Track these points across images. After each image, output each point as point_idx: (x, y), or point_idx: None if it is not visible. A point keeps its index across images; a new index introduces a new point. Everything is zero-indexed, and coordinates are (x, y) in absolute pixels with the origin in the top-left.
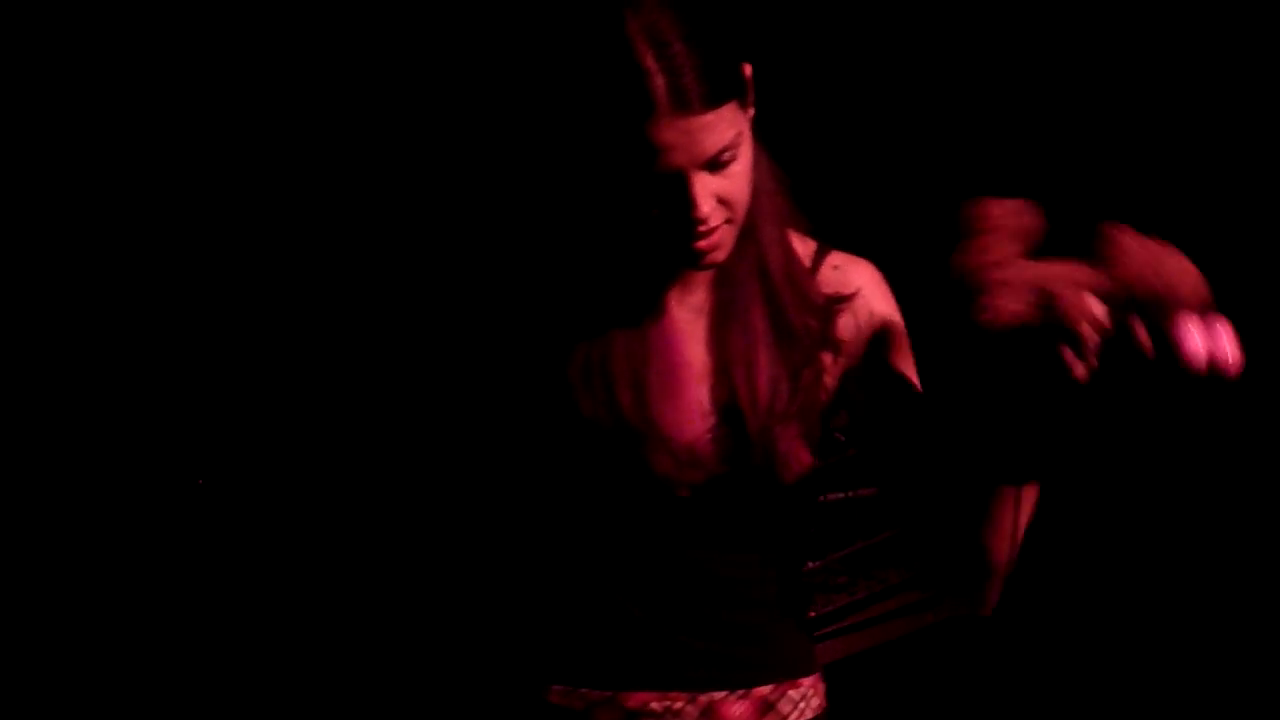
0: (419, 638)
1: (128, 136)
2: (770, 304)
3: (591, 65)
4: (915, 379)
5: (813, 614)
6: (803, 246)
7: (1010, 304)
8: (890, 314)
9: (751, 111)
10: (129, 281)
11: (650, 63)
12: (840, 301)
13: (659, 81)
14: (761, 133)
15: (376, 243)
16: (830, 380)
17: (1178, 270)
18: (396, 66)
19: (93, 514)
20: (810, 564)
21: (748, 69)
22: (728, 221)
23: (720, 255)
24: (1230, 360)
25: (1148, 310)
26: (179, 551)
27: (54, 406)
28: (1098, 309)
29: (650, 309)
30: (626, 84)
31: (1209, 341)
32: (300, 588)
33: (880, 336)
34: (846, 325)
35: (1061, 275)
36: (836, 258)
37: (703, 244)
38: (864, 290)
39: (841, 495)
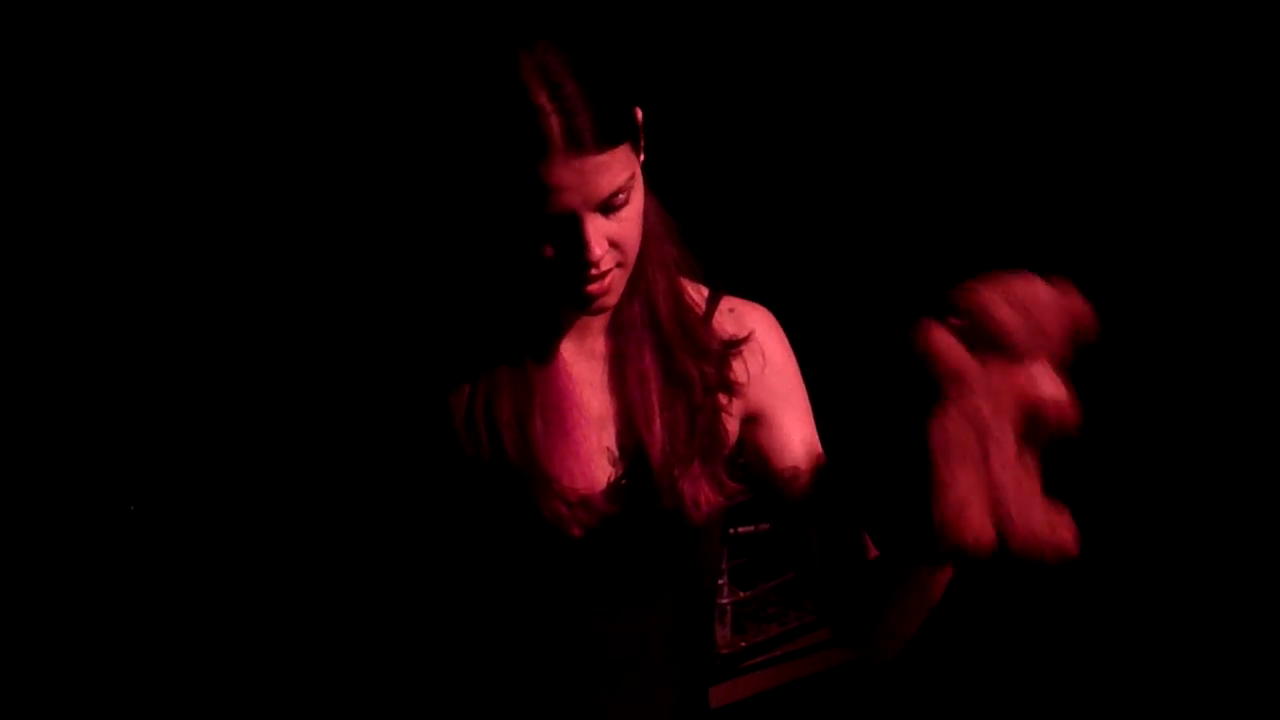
0: (306, 688)
1: (84, 148)
2: (662, 351)
3: (485, 104)
4: (810, 427)
5: (744, 644)
6: (696, 293)
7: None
8: (784, 360)
9: (642, 156)
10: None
11: (544, 101)
12: (734, 345)
13: (553, 121)
14: (652, 179)
15: (267, 276)
16: (732, 423)
17: (1046, 306)
18: (288, 98)
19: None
20: (741, 593)
21: (639, 113)
22: (619, 265)
23: (610, 300)
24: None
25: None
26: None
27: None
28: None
29: (541, 352)
30: (520, 123)
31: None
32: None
33: (775, 382)
34: (741, 369)
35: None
36: (730, 302)
37: (593, 287)
38: (758, 334)
39: (769, 525)
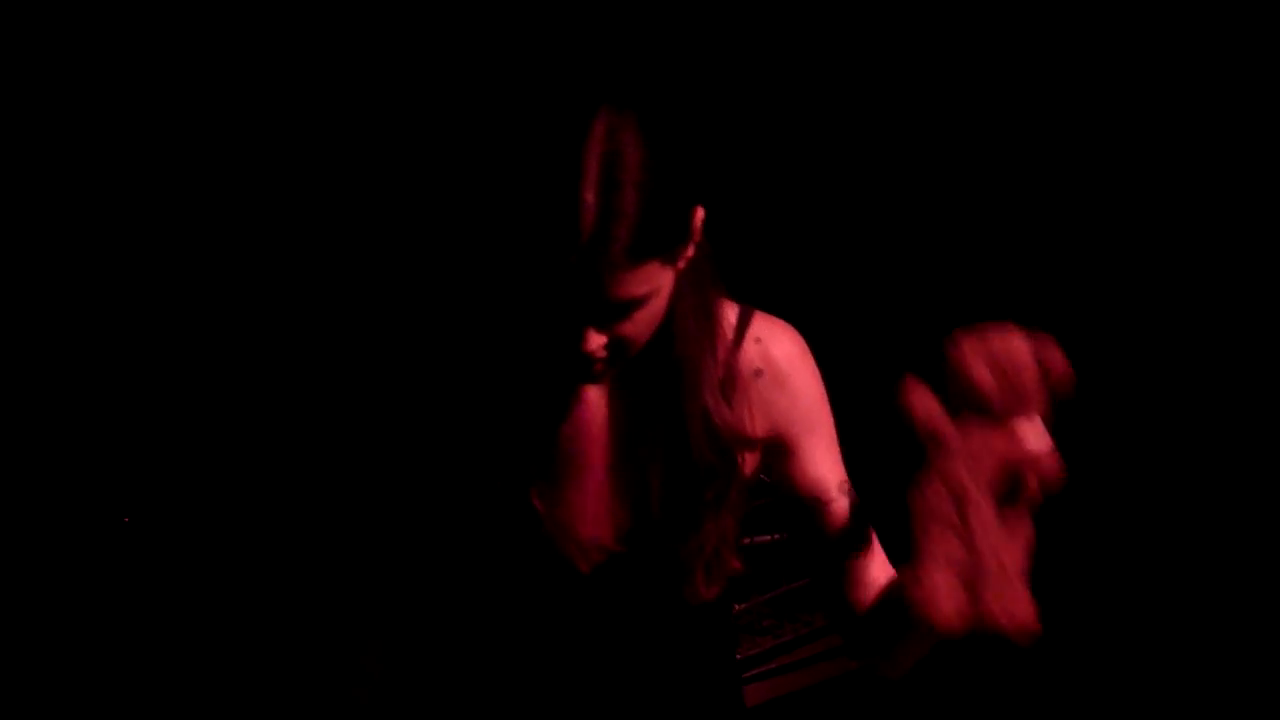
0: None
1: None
2: (676, 431)
3: (538, 170)
4: (834, 456)
5: (739, 657)
6: (728, 312)
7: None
8: (810, 390)
9: (690, 253)
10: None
11: (590, 197)
12: (750, 444)
13: (588, 220)
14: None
15: (305, 303)
16: (748, 467)
17: (1021, 366)
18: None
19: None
20: (737, 606)
21: (699, 214)
22: (621, 353)
23: (606, 377)
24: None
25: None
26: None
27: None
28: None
29: (565, 390)
30: (558, 207)
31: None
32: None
33: (799, 413)
34: (765, 400)
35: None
36: (759, 328)
37: (586, 369)
38: (783, 365)
39: (768, 538)
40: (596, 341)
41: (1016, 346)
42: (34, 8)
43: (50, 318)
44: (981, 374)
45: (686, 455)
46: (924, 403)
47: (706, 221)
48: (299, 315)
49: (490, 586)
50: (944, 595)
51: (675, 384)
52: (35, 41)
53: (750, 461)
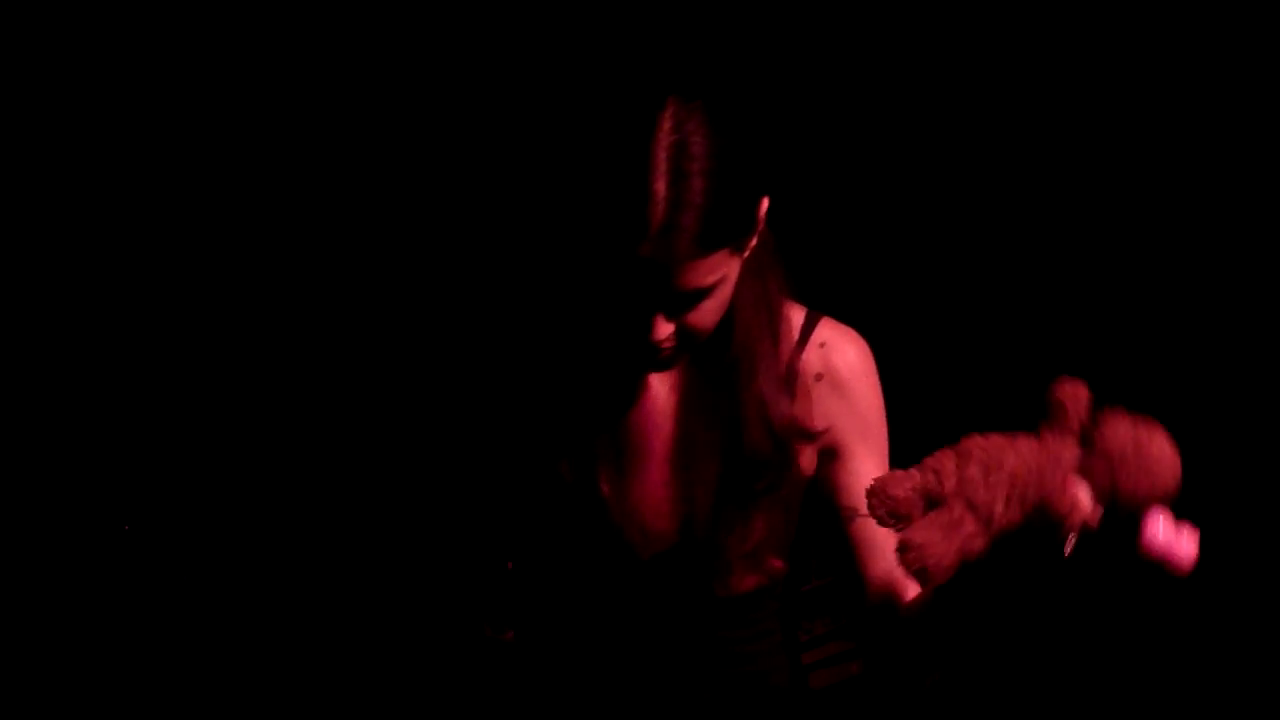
0: (398, 693)
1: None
2: (734, 421)
3: (607, 162)
4: (883, 468)
5: None
6: (794, 314)
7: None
8: (867, 399)
9: (753, 243)
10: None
11: (660, 188)
12: (805, 436)
13: (659, 211)
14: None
15: (365, 284)
16: (806, 465)
17: (1159, 458)
18: (425, 111)
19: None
20: None
21: (764, 204)
22: (689, 341)
23: (674, 364)
24: (1185, 561)
25: (1125, 498)
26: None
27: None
28: (1083, 498)
29: (629, 380)
30: (628, 198)
31: (1172, 537)
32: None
33: (853, 421)
34: (823, 404)
35: (1049, 461)
36: (825, 332)
37: (655, 357)
38: (844, 372)
39: None
40: (665, 330)
41: (1162, 443)
42: (34, 8)
43: (66, 319)
44: (1125, 434)
45: (743, 446)
46: (1076, 397)
47: (773, 216)
48: (368, 313)
49: (555, 572)
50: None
51: (734, 374)
52: (35, 41)
53: (806, 459)
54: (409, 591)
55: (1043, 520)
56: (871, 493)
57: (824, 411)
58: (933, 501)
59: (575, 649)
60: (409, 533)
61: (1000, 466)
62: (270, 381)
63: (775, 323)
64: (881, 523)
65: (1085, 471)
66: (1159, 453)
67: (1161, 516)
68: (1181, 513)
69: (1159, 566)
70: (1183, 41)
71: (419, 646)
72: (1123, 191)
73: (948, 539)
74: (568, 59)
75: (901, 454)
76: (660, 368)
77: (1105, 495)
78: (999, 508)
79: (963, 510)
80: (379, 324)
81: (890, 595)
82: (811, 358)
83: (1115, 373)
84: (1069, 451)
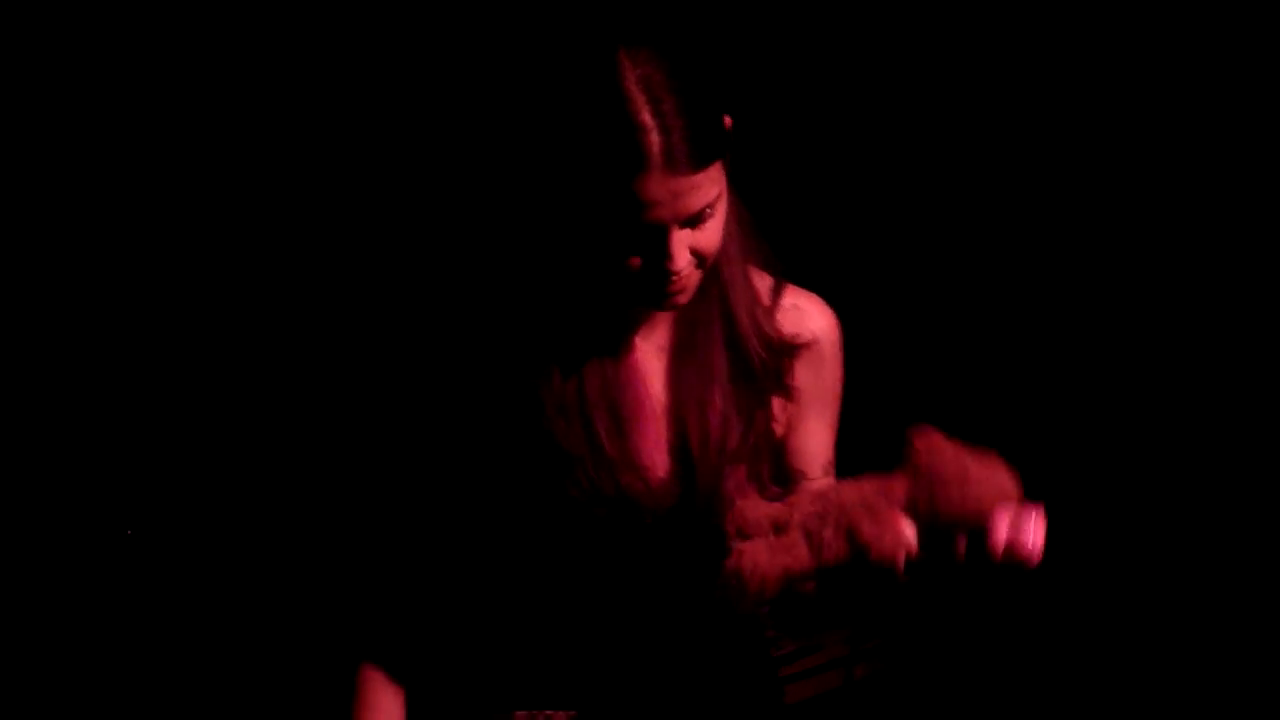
0: (384, 660)
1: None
2: (731, 344)
3: (588, 114)
4: (831, 436)
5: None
6: (760, 281)
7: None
8: (832, 366)
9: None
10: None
11: (647, 119)
12: (793, 350)
13: (654, 139)
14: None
15: (355, 266)
16: (779, 428)
17: (984, 480)
18: (388, 90)
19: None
20: None
21: (728, 121)
22: (698, 267)
23: (685, 299)
24: (1031, 553)
25: (947, 521)
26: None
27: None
28: (906, 530)
29: (618, 345)
30: (621, 139)
31: (1014, 534)
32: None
33: (816, 386)
34: (794, 371)
35: (880, 496)
36: (795, 296)
37: (672, 289)
38: (818, 336)
39: None
40: (684, 256)
41: (987, 465)
42: (34, 8)
43: (62, 320)
44: (944, 463)
45: (743, 363)
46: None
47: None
48: (353, 278)
49: (533, 542)
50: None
51: (723, 314)
52: (35, 41)
53: (778, 421)
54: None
55: (874, 550)
56: (732, 511)
57: (798, 372)
58: (779, 529)
59: (554, 628)
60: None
61: (838, 500)
62: (253, 361)
63: (747, 274)
64: (729, 538)
65: (911, 504)
66: (979, 475)
67: (1004, 521)
68: (1181, 513)
69: (1011, 565)
70: (1177, 42)
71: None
72: (1098, 178)
73: (774, 557)
74: (511, 31)
75: (864, 436)
76: (673, 303)
77: (928, 521)
78: (828, 535)
79: (799, 538)
80: (366, 299)
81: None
82: (785, 319)
83: (1090, 363)
84: (900, 487)
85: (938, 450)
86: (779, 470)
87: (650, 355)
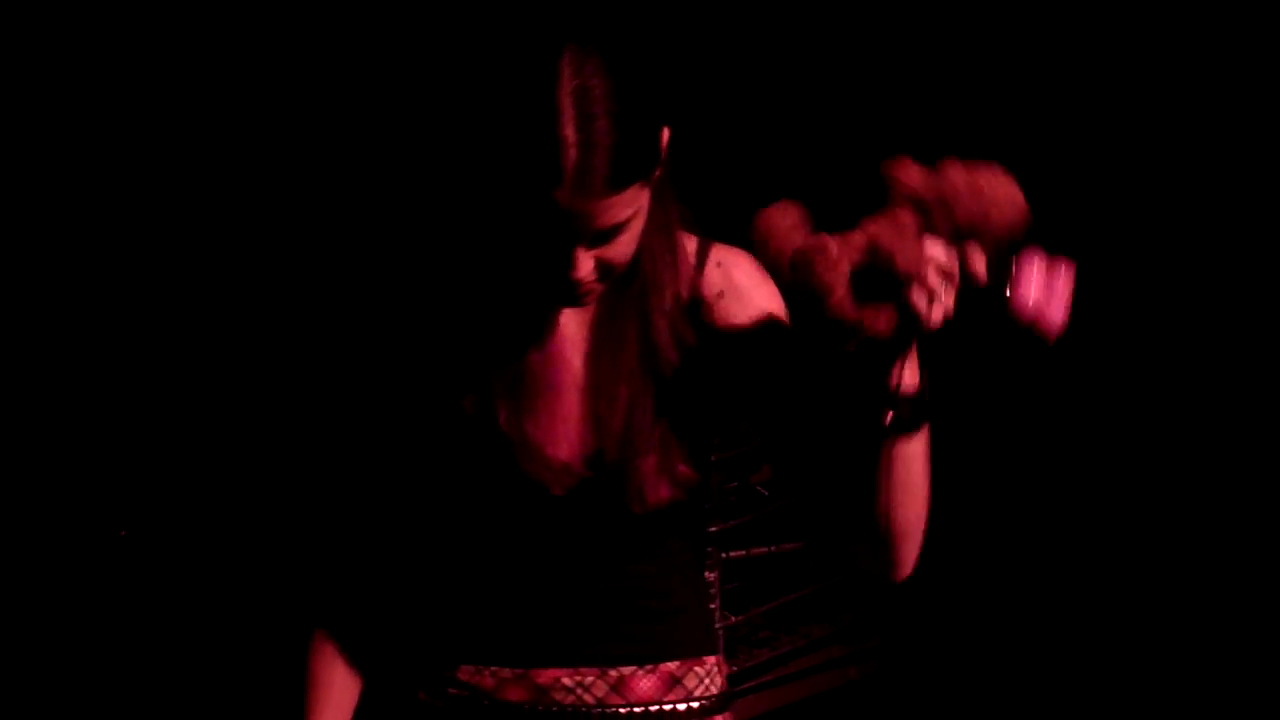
0: (328, 623)
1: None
2: (644, 340)
3: (513, 115)
4: (798, 365)
5: (735, 668)
6: (687, 243)
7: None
8: (772, 307)
9: (658, 173)
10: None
11: (570, 134)
12: (722, 337)
13: (571, 156)
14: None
15: (281, 247)
16: (705, 414)
17: (994, 187)
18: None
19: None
20: (733, 618)
21: (665, 134)
22: (608, 274)
23: (593, 299)
24: (1054, 317)
25: (980, 242)
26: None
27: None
28: (938, 253)
29: (538, 318)
30: (538, 148)
31: (1042, 291)
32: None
33: (764, 329)
34: (729, 318)
35: (893, 229)
36: (719, 252)
37: (578, 293)
38: (744, 285)
39: (765, 550)
40: (586, 267)
41: (1003, 183)
42: (34, 7)
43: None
44: (960, 181)
45: (653, 363)
46: (905, 171)
47: (670, 143)
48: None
49: (465, 510)
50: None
51: (644, 299)
52: (35, 41)
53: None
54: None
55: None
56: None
57: (730, 324)
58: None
59: (488, 589)
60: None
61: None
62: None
63: (675, 248)
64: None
65: (929, 227)
66: (993, 183)
67: (1033, 266)
68: (1181, 512)
69: (1029, 329)
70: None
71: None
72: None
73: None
74: (465, 15)
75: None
76: (579, 303)
77: (953, 236)
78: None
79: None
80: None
81: (823, 468)
82: (712, 278)
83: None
84: (910, 217)
85: (950, 168)
86: (696, 459)
87: (575, 325)
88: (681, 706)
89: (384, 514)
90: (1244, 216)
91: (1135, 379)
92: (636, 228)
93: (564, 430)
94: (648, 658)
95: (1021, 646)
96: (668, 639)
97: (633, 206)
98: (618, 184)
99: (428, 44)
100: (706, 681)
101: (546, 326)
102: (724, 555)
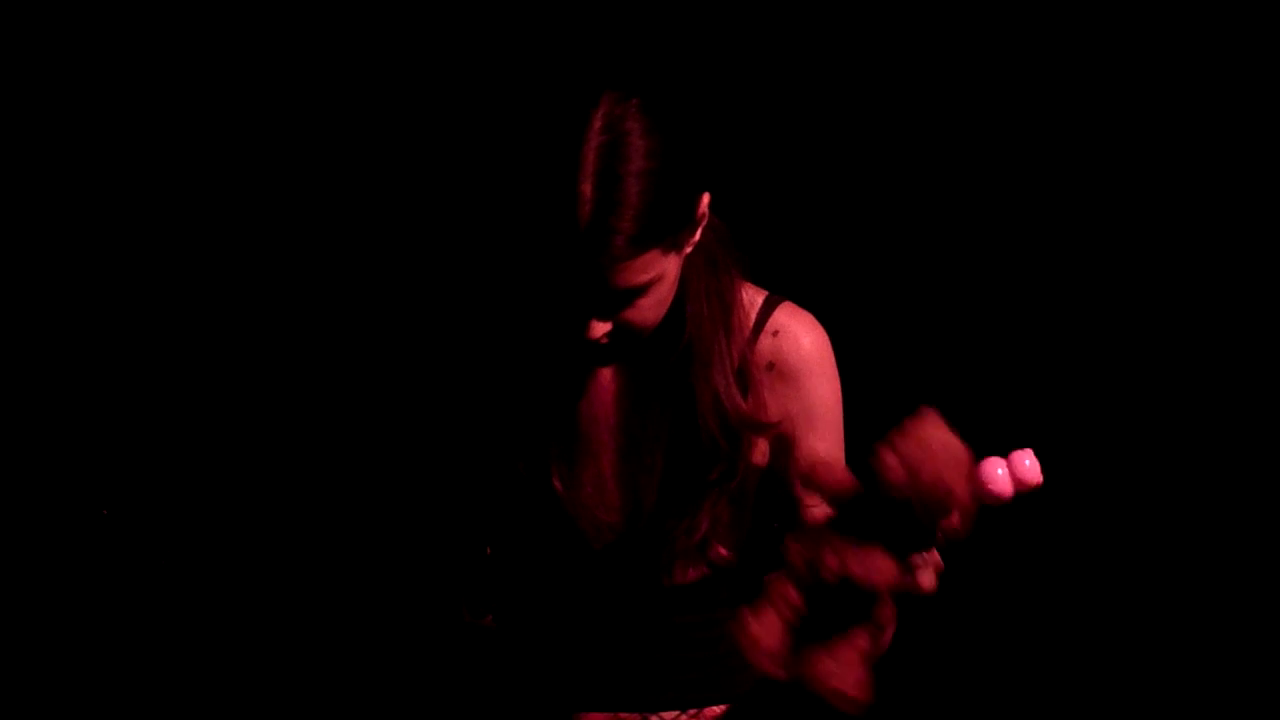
0: (382, 664)
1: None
2: (687, 410)
3: (539, 164)
4: (836, 450)
5: None
6: (751, 298)
7: None
8: (820, 386)
9: (696, 237)
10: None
11: (587, 190)
12: (759, 428)
13: (586, 212)
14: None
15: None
16: (744, 481)
17: (947, 460)
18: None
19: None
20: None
21: (705, 200)
22: (629, 337)
23: (619, 358)
24: (1033, 483)
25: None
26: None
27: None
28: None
29: (582, 372)
30: (556, 201)
31: (1013, 478)
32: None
33: (803, 409)
34: (775, 392)
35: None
36: (781, 316)
37: (598, 351)
38: (795, 362)
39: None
40: (600, 329)
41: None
42: (34, 8)
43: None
44: (910, 458)
45: (695, 437)
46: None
47: (722, 206)
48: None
49: (523, 560)
50: (769, 638)
51: (687, 366)
52: (35, 41)
53: (759, 451)
54: (388, 578)
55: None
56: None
57: (775, 400)
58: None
59: (544, 635)
60: (387, 520)
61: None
62: (246, 375)
63: (728, 314)
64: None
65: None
66: (944, 452)
67: (993, 471)
68: (1181, 512)
69: (1019, 498)
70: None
71: (399, 633)
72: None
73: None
74: (507, 59)
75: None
76: (602, 362)
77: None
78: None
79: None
80: (351, 322)
81: None
82: (763, 346)
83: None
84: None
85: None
86: (739, 518)
87: (614, 385)
88: None
89: (446, 559)
90: (1244, 216)
91: (1135, 379)
92: (660, 293)
93: (605, 487)
94: (691, 703)
95: (1022, 647)
96: (714, 685)
97: (651, 272)
98: (636, 247)
99: (478, 90)
100: None
101: (589, 382)
102: None
